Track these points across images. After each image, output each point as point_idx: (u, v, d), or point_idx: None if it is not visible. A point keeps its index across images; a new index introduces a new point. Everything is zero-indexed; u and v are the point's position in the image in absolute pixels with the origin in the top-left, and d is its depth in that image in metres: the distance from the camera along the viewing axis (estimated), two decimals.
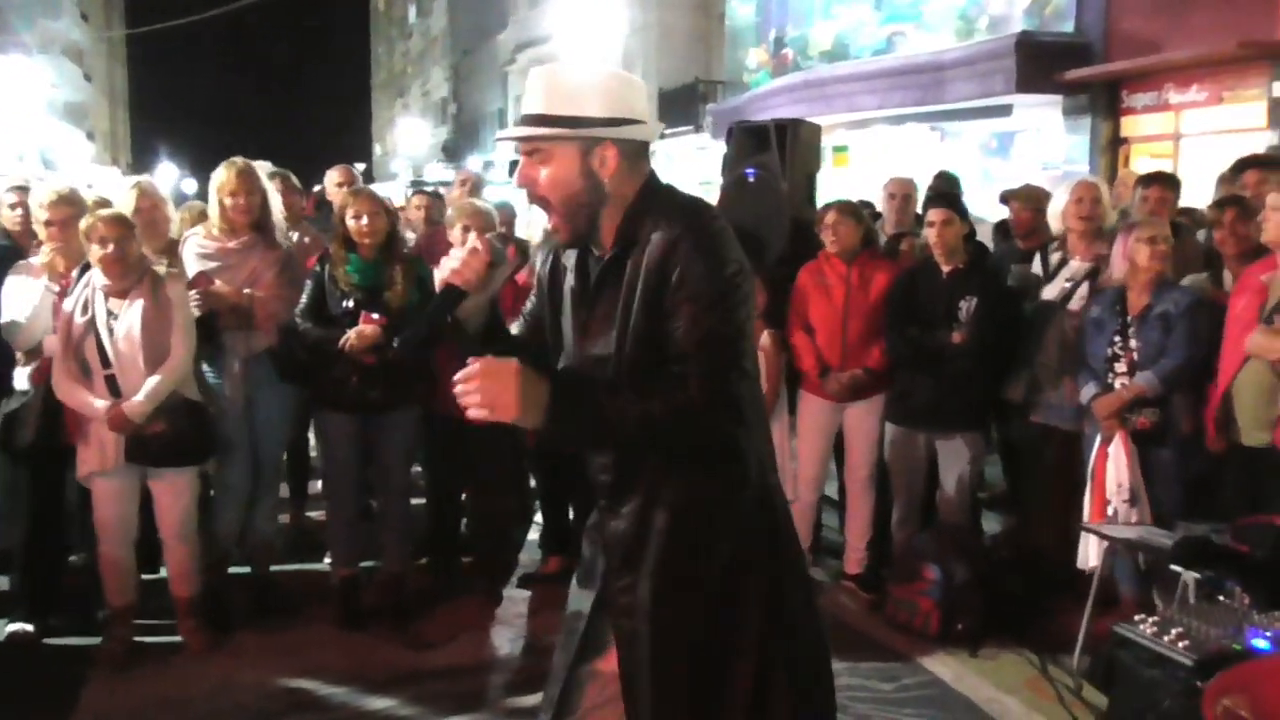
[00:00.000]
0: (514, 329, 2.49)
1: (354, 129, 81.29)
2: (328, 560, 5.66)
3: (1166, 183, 5.73)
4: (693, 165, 24.58)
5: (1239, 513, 4.13)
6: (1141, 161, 12.77)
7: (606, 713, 2.46)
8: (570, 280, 2.36)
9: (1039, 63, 13.18)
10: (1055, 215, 5.16)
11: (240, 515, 4.99)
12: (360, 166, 5.06)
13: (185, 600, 4.67)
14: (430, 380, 4.95)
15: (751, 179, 5.70)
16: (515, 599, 5.34)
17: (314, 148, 48.27)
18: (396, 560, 5.12)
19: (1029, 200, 5.74)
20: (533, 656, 4.70)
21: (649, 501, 2.29)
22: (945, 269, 5.05)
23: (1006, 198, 5.84)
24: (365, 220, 4.72)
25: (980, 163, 15.45)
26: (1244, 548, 3.93)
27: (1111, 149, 13.22)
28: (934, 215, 5.02)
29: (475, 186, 6.12)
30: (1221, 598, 3.14)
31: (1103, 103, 13.19)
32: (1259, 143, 10.85)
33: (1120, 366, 4.65)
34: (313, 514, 6.25)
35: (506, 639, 4.92)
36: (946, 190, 6.00)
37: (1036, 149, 14.89)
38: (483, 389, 2.00)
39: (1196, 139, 12.19)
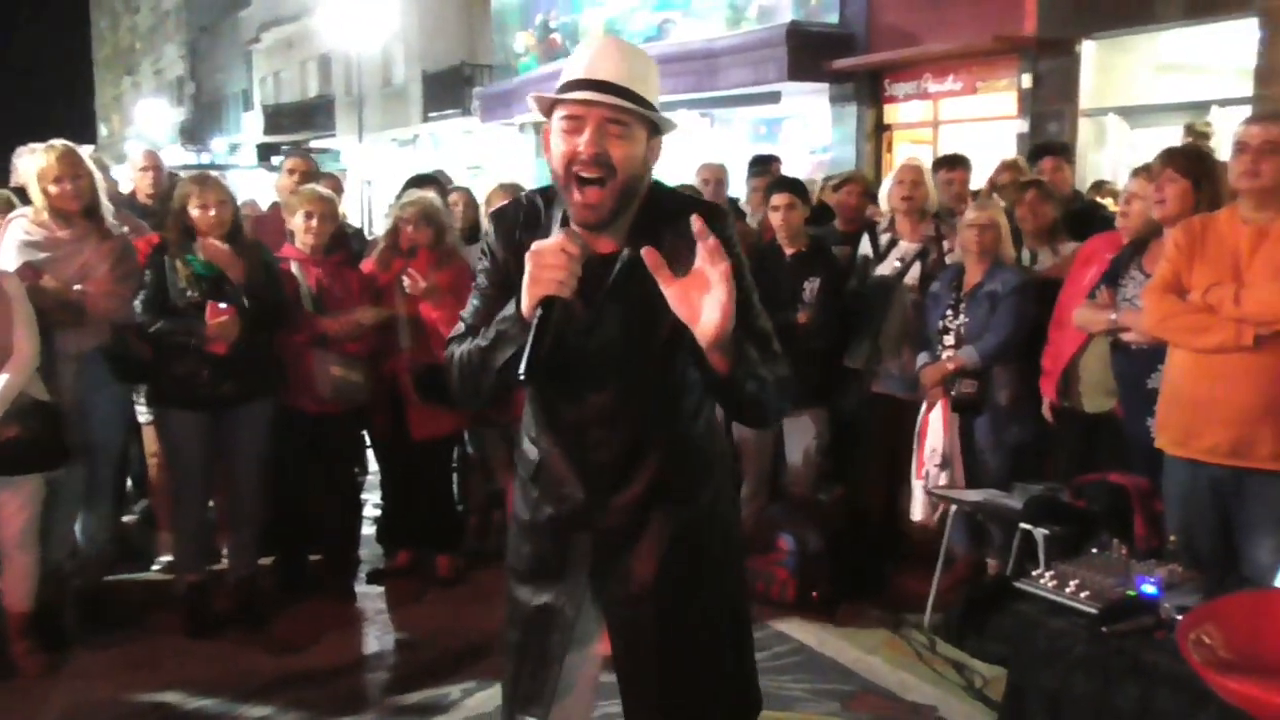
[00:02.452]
0: (469, 309, 2.35)
1: (74, 106, 75.71)
2: (156, 566, 5.41)
3: (964, 164, 6.17)
4: (460, 149, 24.36)
5: (1070, 475, 4.51)
6: (903, 148, 13.56)
7: (576, 700, 2.48)
8: None
9: (808, 52, 13.74)
10: (884, 197, 5.46)
11: (73, 524, 4.67)
12: (87, 148, 4.74)
13: (20, 618, 4.32)
14: (281, 371, 4.81)
15: None
16: (370, 595, 5.22)
17: (26, 127, 44.77)
18: (246, 562, 4.90)
19: (859, 185, 6.02)
20: (405, 652, 4.64)
21: (649, 494, 2.30)
22: (789, 252, 5.26)
23: (837, 185, 6.12)
24: (214, 211, 4.51)
25: (750, 148, 15.96)
26: (1081, 503, 4.32)
27: (876, 135, 13.95)
28: (778, 199, 5.21)
29: (307, 174, 5.89)
30: (1095, 550, 3.42)
31: (867, 91, 13.89)
32: (1010, 130, 11.76)
33: (949, 339, 4.98)
34: (126, 518, 5.92)
35: (373, 636, 4.81)
36: (787, 176, 6.21)
37: (804, 135, 15.54)
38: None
39: (953, 126, 13.04)
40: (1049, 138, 10.00)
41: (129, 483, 6.11)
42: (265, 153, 30.41)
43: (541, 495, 2.39)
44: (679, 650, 2.33)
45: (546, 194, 2.31)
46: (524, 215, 2.33)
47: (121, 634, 4.67)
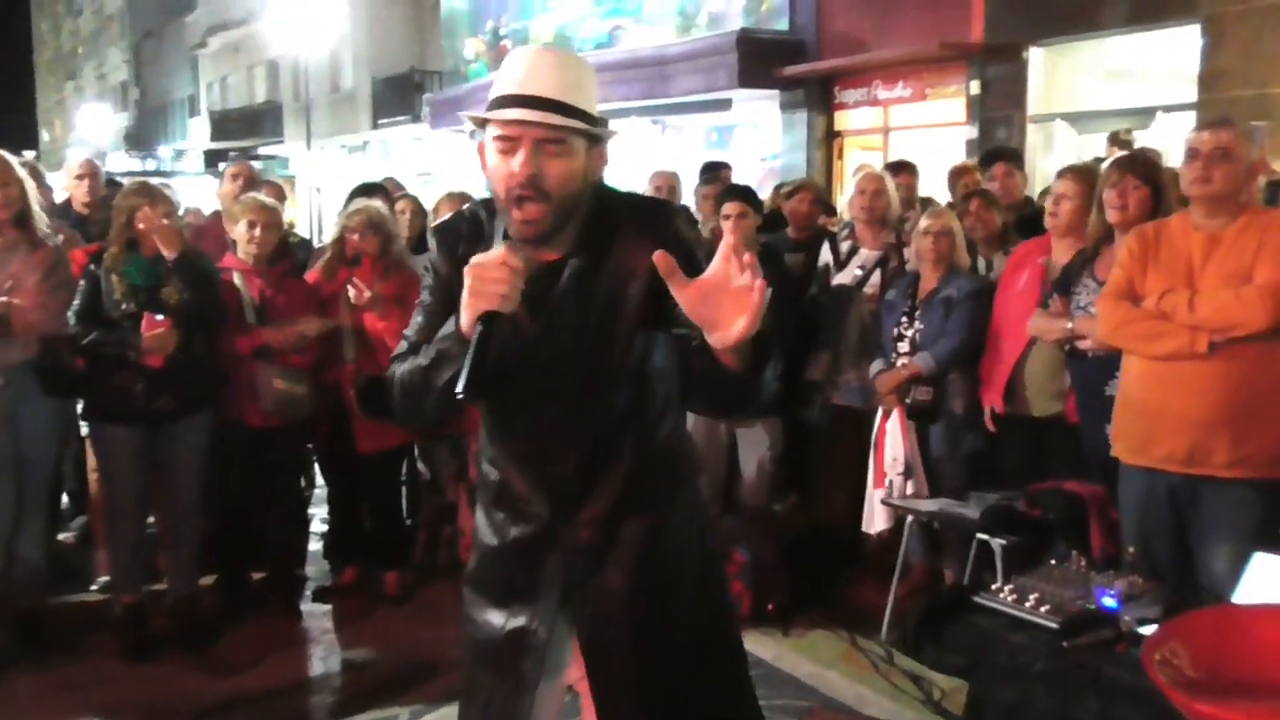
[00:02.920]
0: (413, 326, 2.25)
1: (16, 112, 74.28)
2: (94, 586, 5.26)
3: (909, 169, 6.17)
4: (411, 155, 24.18)
5: (1021, 481, 4.49)
6: (854, 154, 13.62)
7: None
8: None
9: (758, 59, 13.77)
10: (845, 206, 5.43)
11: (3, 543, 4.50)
12: (30, 154, 4.65)
13: None
14: (222, 383, 4.68)
15: None
16: (315, 613, 5.09)
17: None
18: (186, 582, 4.76)
19: (810, 193, 5.99)
20: (351, 673, 4.52)
21: (618, 506, 2.22)
22: None
23: (789, 192, 6.08)
24: (162, 223, 4.39)
25: (702, 155, 15.96)
26: (1037, 512, 4.30)
27: (827, 142, 14.00)
28: (730, 208, 5.14)
29: (249, 181, 5.75)
30: (1053, 562, 3.38)
31: (817, 98, 13.93)
32: (959, 136, 11.83)
33: (903, 346, 4.95)
34: (62, 536, 5.75)
35: (318, 657, 4.68)
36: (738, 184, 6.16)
37: (755, 142, 15.55)
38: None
39: (903, 132, 13.11)
40: (998, 143, 10.06)
41: (65, 499, 5.94)
42: (212, 159, 30.09)
43: (506, 517, 2.30)
44: (655, 669, 2.25)
45: (490, 206, 2.22)
46: (467, 228, 2.24)
47: (56, 656, 4.51)
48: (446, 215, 5.33)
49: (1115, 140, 8.64)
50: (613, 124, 17.25)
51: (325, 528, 5.65)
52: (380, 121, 25.16)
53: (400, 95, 23.83)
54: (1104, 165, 4.69)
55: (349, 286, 4.85)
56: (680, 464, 2.36)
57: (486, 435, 2.33)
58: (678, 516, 2.31)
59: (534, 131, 2.03)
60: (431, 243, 2.29)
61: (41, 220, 4.50)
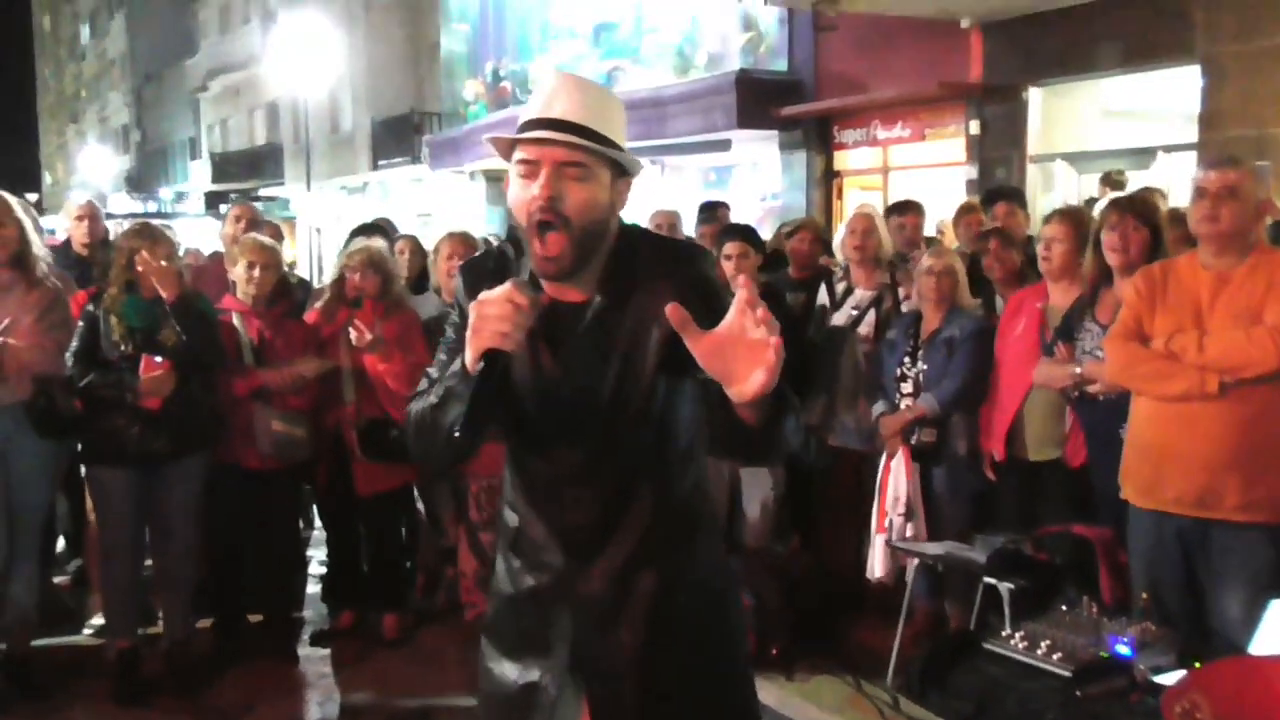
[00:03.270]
0: (436, 364, 2.20)
1: (19, 155, 74.62)
2: (88, 630, 5.19)
3: (915, 209, 6.15)
4: (409, 196, 24.23)
5: (1020, 524, 4.43)
6: (853, 194, 13.61)
7: None
8: None
9: (757, 99, 13.78)
10: (838, 247, 5.40)
11: None
12: (32, 197, 4.63)
13: None
14: (219, 426, 4.63)
15: None
16: (313, 658, 5.01)
17: None
18: (180, 626, 4.69)
19: (810, 232, 5.97)
20: (350, 717, 4.43)
21: (633, 558, 2.15)
22: None
23: (790, 232, 6.06)
24: (162, 264, 4.36)
25: (701, 195, 16.00)
26: (1044, 556, 4.23)
27: (825, 182, 13.98)
28: (730, 249, 5.11)
29: (251, 222, 5.73)
30: (1064, 607, 3.32)
31: (816, 138, 13.94)
32: (959, 175, 11.83)
33: (906, 387, 4.90)
34: (57, 579, 5.69)
35: (315, 702, 4.60)
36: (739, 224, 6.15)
37: (755, 182, 15.58)
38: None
39: (903, 172, 13.10)
40: (998, 183, 10.04)
41: (61, 542, 5.87)
42: (213, 201, 30.16)
43: (522, 565, 2.24)
44: None
45: (517, 244, 2.17)
46: (493, 264, 2.19)
47: (49, 701, 4.46)
48: (446, 255, 5.38)
49: (1108, 180, 8.67)
50: None
51: (324, 570, 5.58)
52: (379, 163, 25.21)
53: (399, 136, 23.90)
54: (1098, 206, 4.68)
55: (350, 328, 4.81)
56: (699, 519, 2.28)
57: (508, 480, 2.28)
58: (695, 573, 2.23)
59: (555, 153, 1.98)
60: (457, 280, 2.25)
61: (42, 261, 4.48)
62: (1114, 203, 4.26)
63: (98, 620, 5.15)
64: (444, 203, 22.15)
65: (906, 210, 6.00)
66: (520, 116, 2.07)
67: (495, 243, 6.32)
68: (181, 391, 4.34)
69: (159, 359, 4.28)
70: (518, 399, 2.14)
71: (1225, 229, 3.45)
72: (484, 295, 1.92)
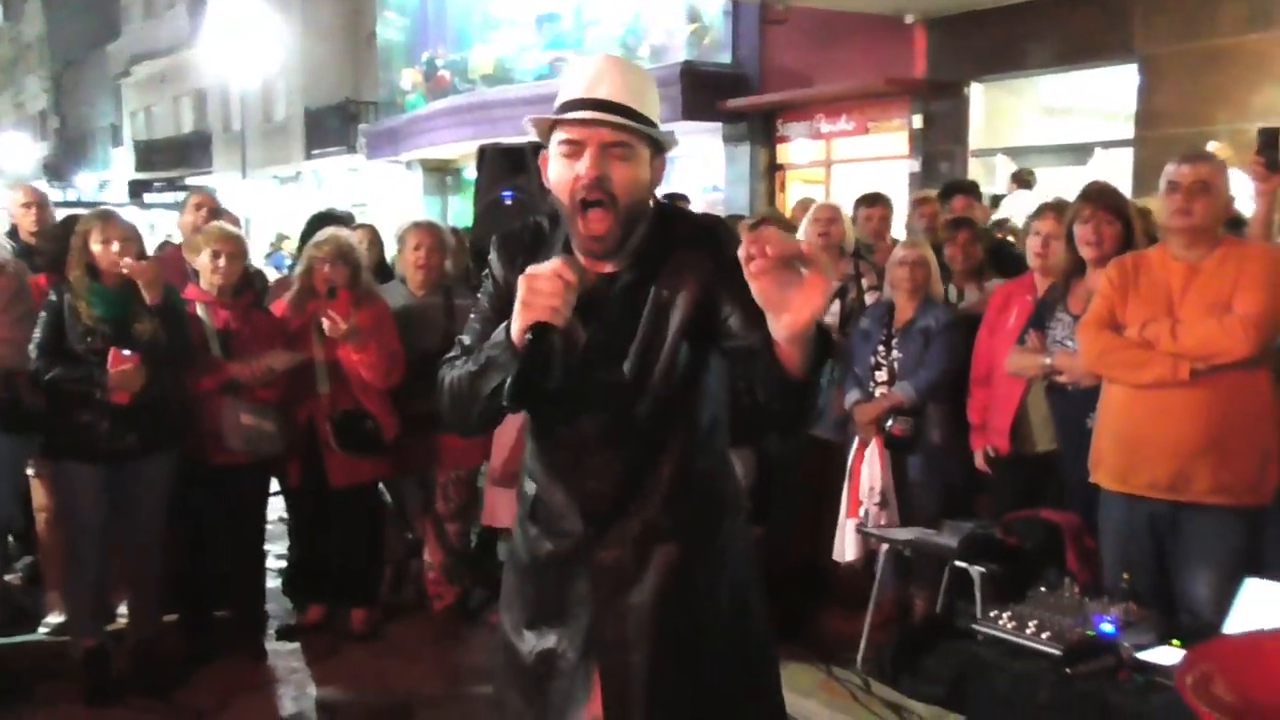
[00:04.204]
0: (468, 331, 2.24)
1: None
2: (44, 629, 5.07)
3: (884, 201, 6.23)
4: (345, 186, 23.95)
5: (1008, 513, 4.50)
6: (796, 187, 13.75)
7: None
8: None
9: (701, 92, 13.84)
10: (801, 237, 5.45)
11: None
12: None
13: None
14: (187, 422, 4.55)
15: (509, 202, 5.61)
16: (282, 653, 4.94)
17: None
18: (149, 623, 4.60)
19: (772, 224, 6.02)
20: (325, 714, 4.39)
21: (651, 528, 2.18)
22: None
23: (752, 225, 6.10)
24: (117, 247, 4.25)
25: None
26: (1014, 540, 4.32)
27: (769, 175, 14.11)
28: None
29: (213, 211, 5.62)
30: (1044, 589, 3.40)
31: (760, 131, 14.05)
32: (902, 169, 11.99)
33: (881, 375, 4.96)
34: (8, 577, 5.54)
35: (289, 698, 4.53)
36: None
37: (698, 174, 15.63)
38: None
39: (846, 165, 13.26)
40: (941, 178, 10.21)
41: (10, 539, 5.73)
42: (137, 190, 29.49)
43: (540, 533, 2.27)
44: (673, 705, 2.19)
45: (555, 218, 2.22)
46: (529, 237, 2.24)
47: (8, 705, 4.33)
48: (414, 245, 5.33)
49: (1018, 179, 8.94)
50: None
51: (281, 564, 5.52)
52: (314, 152, 24.90)
53: (334, 126, 23.62)
54: (1005, 204, 4.78)
55: (323, 319, 4.75)
56: (723, 499, 2.31)
57: (530, 448, 2.31)
58: (717, 556, 2.26)
59: (600, 134, 2.02)
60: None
61: (2, 249, 4.37)
62: (1086, 196, 4.33)
63: (54, 619, 5.05)
64: (380, 192, 21.93)
65: (875, 203, 6.07)
66: (559, 95, 2.10)
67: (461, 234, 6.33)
68: (152, 386, 4.24)
69: (128, 352, 4.19)
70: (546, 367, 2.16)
71: (1197, 222, 3.55)
72: (533, 269, 1.95)
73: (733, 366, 2.07)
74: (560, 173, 2.07)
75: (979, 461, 4.66)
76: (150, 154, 33.54)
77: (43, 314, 4.28)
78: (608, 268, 2.14)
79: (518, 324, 1.95)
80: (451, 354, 2.22)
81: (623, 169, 2.04)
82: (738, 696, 2.29)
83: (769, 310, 1.79)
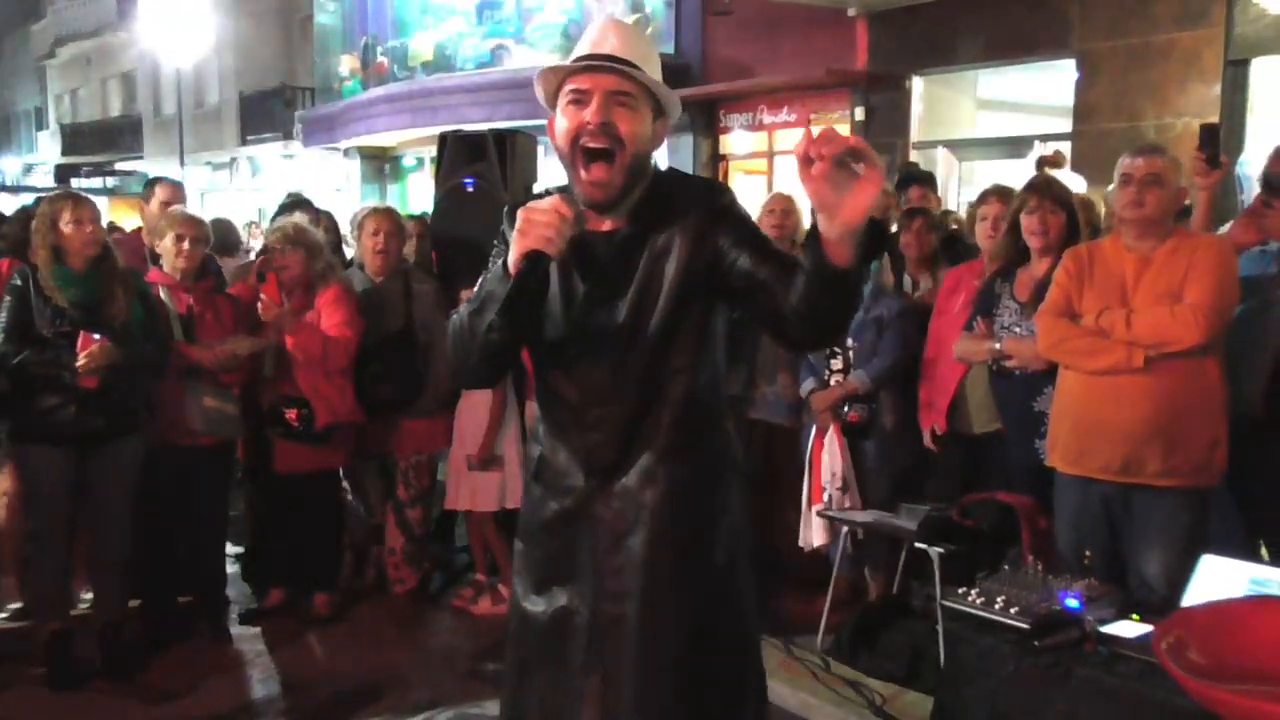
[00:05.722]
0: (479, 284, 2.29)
1: None
2: (2, 614, 5.03)
3: None
4: (280, 173, 23.64)
5: (953, 495, 4.65)
6: (738, 178, 13.86)
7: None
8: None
9: None
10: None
11: None
12: None
13: None
14: (149, 407, 4.54)
15: (470, 189, 5.64)
16: (245, 637, 4.94)
17: None
18: (114, 606, 4.57)
19: None
20: (293, 696, 4.40)
21: (648, 475, 2.25)
22: None
23: None
24: (89, 228, 4.23)
25: None
26: (970, 522, 4.46)
27: (711, 165, 14.18)
28: None
29: (174, 201, 5.58)
30: (1006, 566, 3.53)
31: (702, 121, 14.12)
32: None
33: (836, 364, 5.08)
34: None
35: (257, 680, 4.54)
36: None
37: None
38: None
39: (788, 157, 13.34)
40: (909, 168, 10.34)
41: None
42: (64, 174, 28.84)
43: (544, 493, 2.35)
44: (655, 668, 2.24)
45: (564, 188, 2.28)
46: None
47: None
48: (372, 230, 5.35)
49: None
50: None
51: (238, 549, 5.51)
52: (248, 138, 24.53)
53: (269, 112, 23.29)
54: (985, 192, 4.94)
55: (258, 302, 4.76)
56: (720, 451, 2.35)
57: (537, 407, 2.40)
58: (711, 503, 2.31)
59: (607, 81, 2.12)
60: (506, 220, 2.33)
61: None
62: (1031, 187, 4.46)
63: (13, 604, 5.01)
64: (317, 179, 21.68)
65: None
66: (571, 57, 2.21)
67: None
68: (120, 370, 4.22)
69: (97, 336, 4.16)
70: (547, 320, 2.26)
71: (1149, 214, 3.69)
72: (532, 204, 2.05)
73: (753, 301, 2.12)
74: (565, 122, 2.16)
75: (926, 439, 4.79)
76: (77, 138, 32.79)
77: (7, 298, 4.23)
78: (606, 224, 2.22)
79: (513, 252, 2.05)
80: (461, 309, 2.29)
81: (628, 117, 2.14)
82: (727, 652, 2.35)
83: (824, 211, 1.87)
